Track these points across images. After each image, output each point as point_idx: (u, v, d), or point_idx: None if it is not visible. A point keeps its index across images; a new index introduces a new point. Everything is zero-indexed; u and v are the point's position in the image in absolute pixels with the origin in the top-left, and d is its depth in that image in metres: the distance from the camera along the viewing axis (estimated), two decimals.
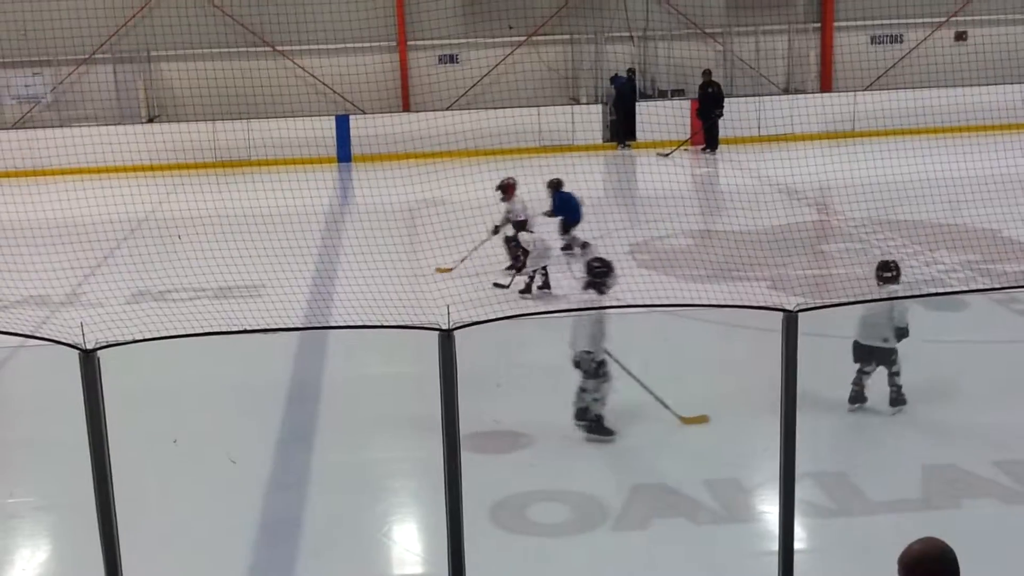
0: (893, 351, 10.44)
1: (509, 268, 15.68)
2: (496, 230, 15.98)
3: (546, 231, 15.79)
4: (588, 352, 10.03)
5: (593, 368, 10.10)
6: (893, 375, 10.54)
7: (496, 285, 15.04)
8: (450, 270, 15.75)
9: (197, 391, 11.84)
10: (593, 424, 10.17)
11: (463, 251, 15.71)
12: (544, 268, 14.80)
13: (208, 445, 10.37)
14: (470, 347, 6.21)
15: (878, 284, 10.71)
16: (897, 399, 10.54)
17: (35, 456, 10.48)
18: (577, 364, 10.17)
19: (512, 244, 15.81)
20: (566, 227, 16.68)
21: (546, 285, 14.81)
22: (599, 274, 10.25)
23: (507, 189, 16.07)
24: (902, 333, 10.40)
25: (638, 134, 27.43)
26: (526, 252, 14.66)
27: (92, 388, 5.65)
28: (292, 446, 10.38)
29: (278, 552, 8.42)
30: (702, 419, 10.39)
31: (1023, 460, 9.44)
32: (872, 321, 10.45)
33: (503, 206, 15.95)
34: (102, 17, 26.77)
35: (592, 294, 10.27)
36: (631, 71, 28.20)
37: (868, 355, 10.51)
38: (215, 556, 8.41)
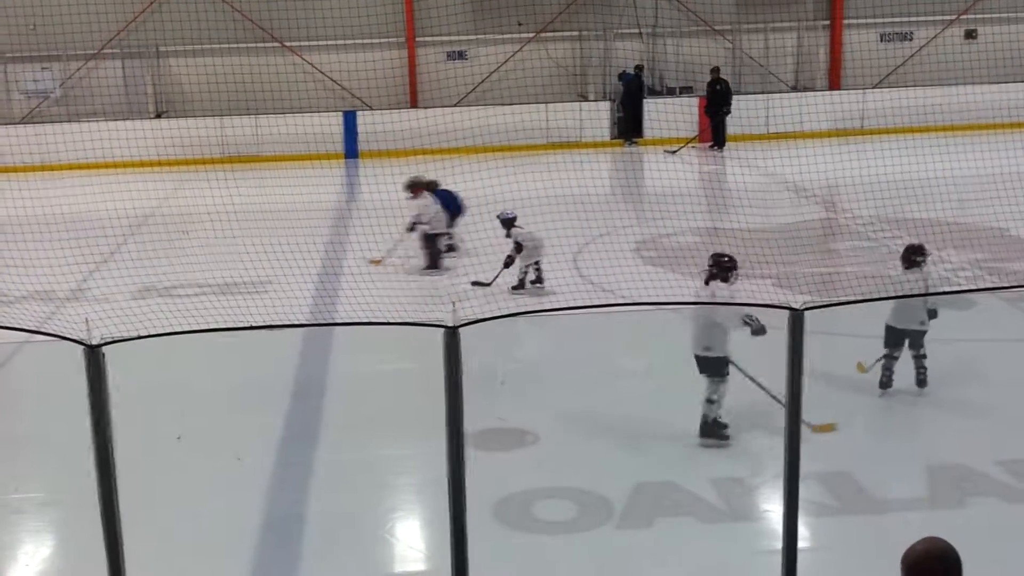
0: (924, 333, 10.72)
1: (428, 268, 16.08)
2: (412, 228, 16.29)
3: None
4: (709, 349, 9.83)
5: (720, 367, 9.90)
6: (921, 357, 10.81)
7: (475, 284, 15.05)
8: (380, 262, 16.07)
9: (202, 387, 11.85)
10: (707, 427, 9.95)
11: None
12: (537, 263, 14.83)
13: (212, 441, 10.38)
14: (475, 344, 6.20)
15: (904, 268, 10.90)
16: (924, 380, 10.83)
17: (39, 452, 10.49)
18: (704, 365, 9.97)
19: (428, 243, 16.03)
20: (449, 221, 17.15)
21: (539, 280, 14.83)
22: (728, 267, 10.14)
23: (415, 188, 16.31)
24: (933, 314, 10.72)
25: (646, 131, 27.39)
26: (518, 247, 14.69)
27: (97, 384, 5.64)
28: (296, 443, 10.38)
29: (282, 549, 8.43)
30: (830, 427, 10.01)
31: None
32: (908, 305, 10.63)
33: (414, 204, 16.42)
34: (111, 12, 26.80)
35: (718, 285, 10.09)
36: (639, 67, 28.14)
37: (901, 338, 10.74)
38: (219, 552, 8.42)
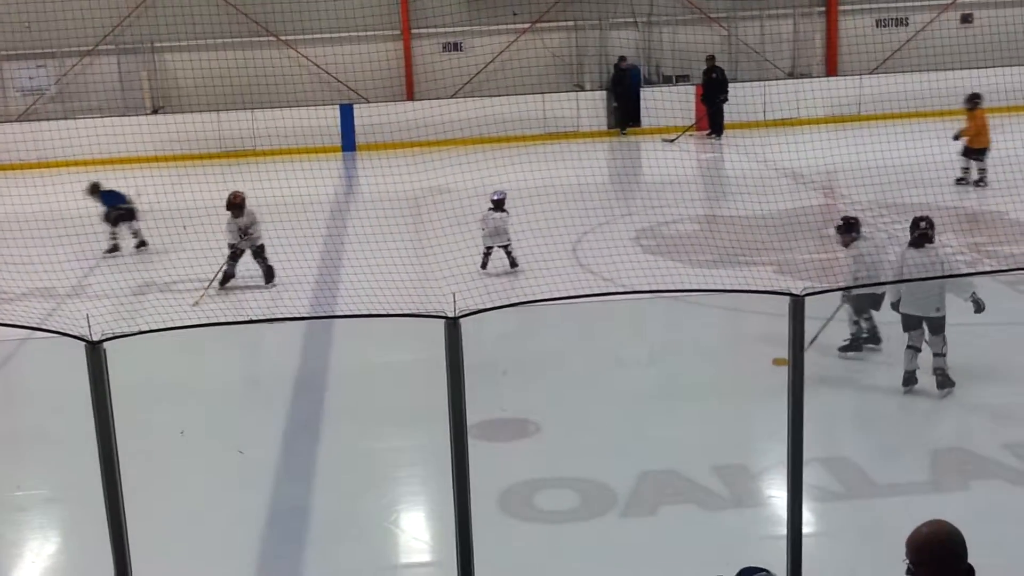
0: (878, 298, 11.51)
1: (270, 281, 15.01)
2: (235, 252, 15.12)
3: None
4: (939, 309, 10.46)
5: (944, 325, 10.54)
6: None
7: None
8: (197, 303, 14.25)
9: (203, 382, 11.85)
10: (944, 378, 10.52)
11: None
12: (505, 247, 15.36)
13: (215, 436, 10.39)
14: (476, 334, 6.21)
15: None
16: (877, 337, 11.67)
17: (42, 449, 10.49)
18: (915, 325, 10.51)
19: (261, 255, 15.18)
20: (118, 219, 17.16)
21: (511, 263, 15.43)
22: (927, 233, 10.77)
23: (240, 205, 15.14)
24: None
25: (643, 120, 27.32)
26: (484, 234, 15.38)
27: (99, 380, 5.64)
28: (299, 436, 10.39)
29: (286, 542, 8.44)
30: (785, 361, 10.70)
31: None
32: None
33: (237, 222, 15.09)
34: (105, 8, 26.72)
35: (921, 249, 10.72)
36: (621, 59, 27.92)
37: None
38: (224, 546, 8.42)
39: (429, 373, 7.07)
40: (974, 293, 10.51)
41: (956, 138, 19.48)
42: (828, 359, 11.24)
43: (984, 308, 10.52)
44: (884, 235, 11.73)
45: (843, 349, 11.45)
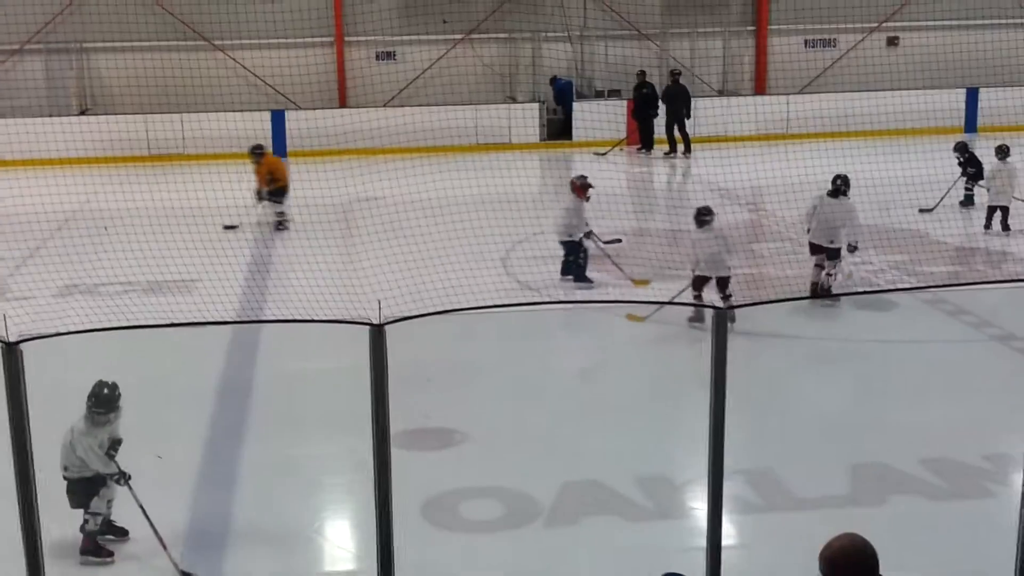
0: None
1: None
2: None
3: None
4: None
5: (836, 253, 13.91)
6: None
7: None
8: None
9: (125, 385, 11.60)
10: (828, 292, 13.69)
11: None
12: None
13: (136, 440, 10.22)
14: (403, 341, 6.20)
15: (697, 227, 12.98)
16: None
17: None
18: (819, 251, 13.89)
19: None
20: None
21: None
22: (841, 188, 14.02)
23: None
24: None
25: (575, 132, 27.37)
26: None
27: (14, 382, 5.57)
28: (222, 442, 10.29)
29: (208, 548, 8.35)
30: (641, 318, 12.36)
31: (949, 458, 9.60)
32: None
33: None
34: (33, 6, 26.34)
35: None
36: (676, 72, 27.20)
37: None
38: (142, 551, 8.31)
39: (355, 380, 7.05)
40: (856, 242, 13.77)
41: (260, 196, 18.69)
42: (767, 366, 11.34)
43: (856, 249, 13.85)
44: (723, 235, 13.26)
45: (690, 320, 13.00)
